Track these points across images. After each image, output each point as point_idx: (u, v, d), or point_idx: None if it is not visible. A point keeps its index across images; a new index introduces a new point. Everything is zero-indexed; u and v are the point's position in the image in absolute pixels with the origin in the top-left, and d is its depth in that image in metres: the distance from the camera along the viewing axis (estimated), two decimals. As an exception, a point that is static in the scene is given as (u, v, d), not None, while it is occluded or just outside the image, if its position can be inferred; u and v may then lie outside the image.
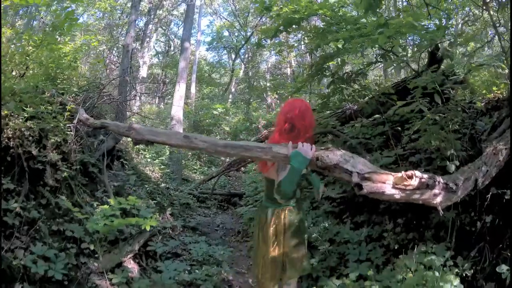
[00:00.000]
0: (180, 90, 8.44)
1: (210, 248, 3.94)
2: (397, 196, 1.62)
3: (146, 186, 5.03)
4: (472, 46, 6.26)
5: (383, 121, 4.32)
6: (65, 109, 3.93)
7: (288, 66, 20.82)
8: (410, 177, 1.60)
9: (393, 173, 1.63)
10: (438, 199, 1.74)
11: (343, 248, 3.47)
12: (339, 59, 4.92)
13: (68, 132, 3.92)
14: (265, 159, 1.79)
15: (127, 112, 5.76)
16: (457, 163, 2.72)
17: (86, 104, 4.58)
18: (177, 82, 8.55)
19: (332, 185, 4.18)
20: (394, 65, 3.87)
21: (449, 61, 4.54)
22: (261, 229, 2.19)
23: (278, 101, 21.96)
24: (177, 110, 8.36)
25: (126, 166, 5.59)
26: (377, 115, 4.70)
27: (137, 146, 7.08)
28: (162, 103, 19.21)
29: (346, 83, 4.74)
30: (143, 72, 18.85)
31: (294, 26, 4.75)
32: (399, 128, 4.43)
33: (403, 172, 1.60)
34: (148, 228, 2.74)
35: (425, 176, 1.67)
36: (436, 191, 1.71)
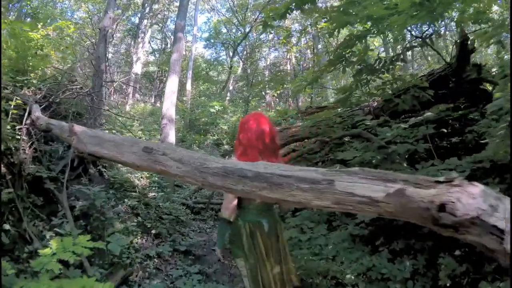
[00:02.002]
0: (172, 83, 7.49)
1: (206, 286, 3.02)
2: None
3: (127, 200, 4.10)
4: None
5: (421, 122, 3.41)
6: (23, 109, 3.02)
7: (288, 63, 19.94)
8: None
9: None
10: None
11: (382, 289, 2.56)
12: (362, 44, 4.00)
13: (19, 137, 2.99)
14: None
15: (102, 110, 4.82)
16: None
17: (48, 99, 3.64)
18: (169, 74, 7.60)
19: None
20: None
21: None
22: (257, 244, 2.12)
23: (277, 99, 21.20)
24: (169, 107, 7.40)
25: (106, 175, 4.66)
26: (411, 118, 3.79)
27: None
28: (159, 102, 18.25)
29: (375, 73, 3.83)
30: (137, 68, 17.93)
31: (307, 5, 3.83)
32: (441, 130, 3.55)
33: None
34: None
35: None
36: None
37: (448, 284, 2.55)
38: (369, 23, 3.57)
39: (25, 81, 3.98)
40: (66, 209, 2.76)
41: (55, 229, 2.53)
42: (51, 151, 3.36)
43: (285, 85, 11.68)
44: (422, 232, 2.99)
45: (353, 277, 2.39)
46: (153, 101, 20.04)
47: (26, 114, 3.13)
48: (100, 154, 1.31)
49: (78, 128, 1.61)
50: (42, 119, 2.51)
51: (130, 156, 1.12)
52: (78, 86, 4.25)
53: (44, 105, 3.70)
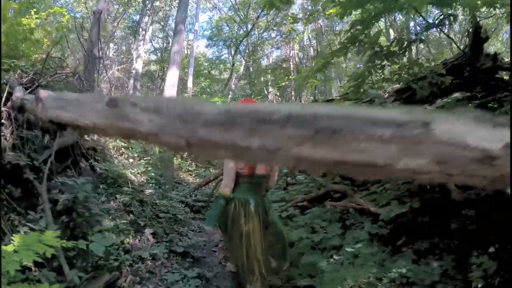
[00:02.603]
0: (172, 76, 7.14)
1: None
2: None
3: (118, 196, 3.75)
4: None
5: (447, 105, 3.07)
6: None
7: (291, 60, 19.59)
8: None
9: None
10: None
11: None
12: (375, 26, 3.64)
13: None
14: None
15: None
16: None
17: (34, 82, 3.31)
18: (169, 67, 7.27)
19: (379, 196, 2.93)
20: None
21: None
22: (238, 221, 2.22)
23: (279, 98, 20.88)
24: (169, 102, 7.06)
25: (98, 169, 4.31)
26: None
27: (119, 143, 5.81)
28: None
29: (390, 57, 3.47)
30: (138, 65, 17.64)
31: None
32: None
33: None
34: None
35: None
36: None
37: (480, 286, 2.21)
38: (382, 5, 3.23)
39: (12, 64, 3.66)
40: (45, 201, 2.41)
41: (28, 223, 2.19)
42: (34, 138, 3.01)
43: (290, 76, 11.34)
44: (447, 230, 2.65)
45: (385, 286, 2.02)
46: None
47: (5, 95, 2.79)
48: (61, 119, 0.98)
49: (44, 93, 1.27)
50: (19, 97, 2.18)
51: (91, 116, 0.77)
52: (68, 71, 3.91)
53: (30, 89, 3.38)
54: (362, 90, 3.74)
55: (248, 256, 2.17)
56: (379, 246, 2.69)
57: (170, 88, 7.18)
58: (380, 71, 3.64)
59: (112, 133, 0.78)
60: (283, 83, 13.59)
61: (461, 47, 4.84)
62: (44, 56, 4.15)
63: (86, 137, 4.66)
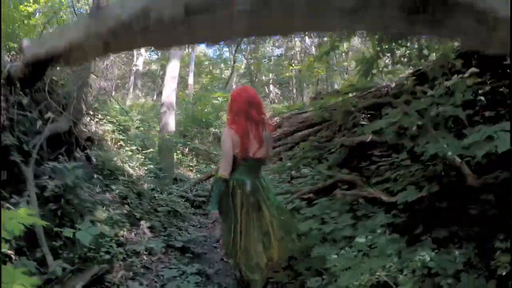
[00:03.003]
0: (173, 69, 6.93)
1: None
2: None
3: (114, 187, 3.53)
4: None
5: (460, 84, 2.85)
6: None
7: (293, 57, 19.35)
8: None
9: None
10: None
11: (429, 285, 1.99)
12: None
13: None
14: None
15: (88, 78, 4.25)
16: None
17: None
18: (170, 59, 7.06)
19: (392, 184, 2.69)
20: None
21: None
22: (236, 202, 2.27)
23: (281, 97, 20.69)
24: (169, 93, 6.84)
25: (94, 160, 4.11)
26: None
27: (117, 135, 5.59)
28: (161, 100, 17.67)
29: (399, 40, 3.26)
30: (139, 62, 17.47)
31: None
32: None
33: None
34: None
35: None
36: None
37: (504, 273, 2.01)
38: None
39: (7, 46, 3.46)
40: (30, 185, 2.20)
41: (7, 205, 1.97)
42: (25, 121, 2.81)
43: (294, 66, 11.15)
44: (466, 216, 2.44)
45: (406, 278, 1.80)
46: (155, 98, 19.59)
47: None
48: (39, 56, 0.79)
49: (26, 42, 1.13)
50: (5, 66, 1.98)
51: (68, 36, 0.59)
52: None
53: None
54: (372, 74, 3.52)
55: (241, 235, 2.21)
56: (394, 236, 2.46)
57: (171, 81, 6.97)
58: (389, 54, 3.43)
59: (90, 46, 0.59)
60: (287, 74, 13.39)
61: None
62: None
63: (82, 128, 4.46)
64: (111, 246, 2.48)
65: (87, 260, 2.12)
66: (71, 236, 1.76)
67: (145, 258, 2.79)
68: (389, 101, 2.92)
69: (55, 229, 1.51)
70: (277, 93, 20.67)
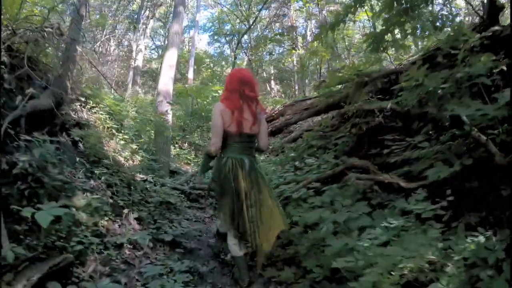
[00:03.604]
0: (170, 57, 6.58)
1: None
2: None
3: (99, 174, 3.17)
4: None
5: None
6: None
7: (294, 56, 18.98)
8: None
9: None
10: None
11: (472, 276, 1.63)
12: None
13: None
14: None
15: (76, 54, 3.92)
16: None
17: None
18: (167, 47, 6.71)
19: (413, 165, 2.32)
20: None
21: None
22: (236, 179, 2.32)
23: (283, 94, 20.32)
24: (167, 82, 6.48)
25: (81, 146, 3.75)
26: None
27: (109, 122, 5.23)
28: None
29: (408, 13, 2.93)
30: (139, 57, 17.14)
31: None
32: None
33: None
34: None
35: None
36: None
37: None
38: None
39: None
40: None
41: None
42: (2, 95, 2.46)
43: (296, 51, 10.88)
44: (498, 198, 2.09)
45: (455, 269, 1.43)
46: (155, 94, 19.25)
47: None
48: None
49: None
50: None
51: None
52: (51, 29, 3.37)
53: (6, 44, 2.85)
54: (382, 48, 3.17)
55: (237, 210, 2.27)
56: (416, 223, 2.09)
57: (168, 69, 6.62)
58: (400, 27, 3.12)
59: None
60: (290, 59, 13.13)
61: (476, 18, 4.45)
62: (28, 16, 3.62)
63: (72, 113, 4.12)
64: (85, 236, 2.13)
65: (54, 249, 1.77)
66: (29, 216, 1.43)
67: (127, 253, 2.42)
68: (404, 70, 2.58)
69: (12, 207, 1.19)
70: (279, 91, 20.30)
